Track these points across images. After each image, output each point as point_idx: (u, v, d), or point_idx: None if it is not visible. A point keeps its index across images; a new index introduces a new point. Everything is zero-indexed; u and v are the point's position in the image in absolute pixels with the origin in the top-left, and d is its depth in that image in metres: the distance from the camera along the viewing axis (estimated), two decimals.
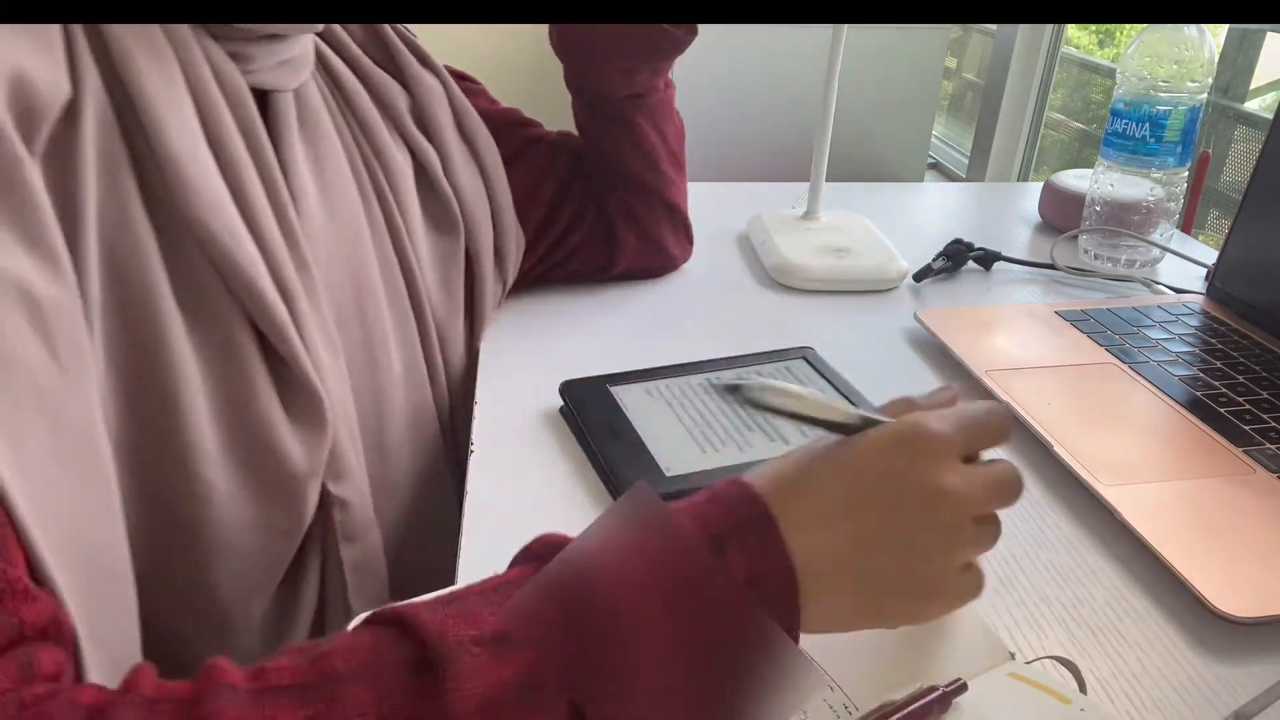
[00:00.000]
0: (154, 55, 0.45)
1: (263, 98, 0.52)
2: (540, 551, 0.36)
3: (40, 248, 0.38)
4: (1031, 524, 0.55)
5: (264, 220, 0.48)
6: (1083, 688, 0.41)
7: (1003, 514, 0.55)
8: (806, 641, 0.37)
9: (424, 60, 0.67)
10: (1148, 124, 0.85)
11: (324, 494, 0.53)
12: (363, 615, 0.35)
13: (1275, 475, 0.57)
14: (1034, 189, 1.13)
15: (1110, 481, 0.56)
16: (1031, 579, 0.50)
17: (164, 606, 0.47)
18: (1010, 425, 0.41)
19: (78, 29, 0.43)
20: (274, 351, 0.49)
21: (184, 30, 0.47)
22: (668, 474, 0.55)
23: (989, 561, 0.51)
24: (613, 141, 0.77)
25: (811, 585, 0.35)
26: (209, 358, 0.47)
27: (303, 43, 0.55)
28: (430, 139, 0.66)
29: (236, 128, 0.48)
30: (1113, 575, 0.51)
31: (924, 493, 0.37)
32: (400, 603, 0.34)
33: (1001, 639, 0.43)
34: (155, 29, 0.45)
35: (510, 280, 0.74)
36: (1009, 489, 0.40)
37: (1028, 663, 0.44)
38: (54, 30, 0.41)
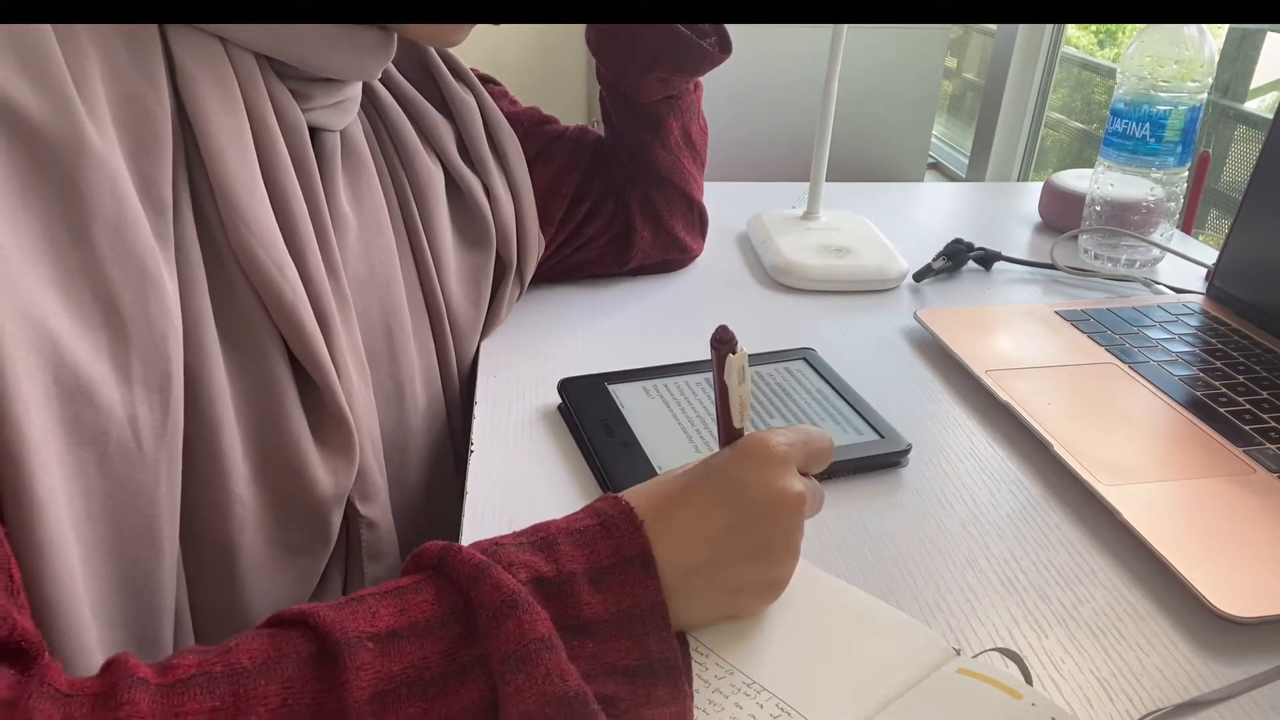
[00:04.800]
0: (220, 88, 0.46)
1: (312, 136, 0.53)
2: (429, 560, 0.39)
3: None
4: (1031, 524, 0.55)
5: (309, 253, 0.50)
6: (1028, 679, 0.42)
7: (1003, 513, 0.55)
8: (738, 654, 0.42)
9: (458, 73, 0.68)
10: (1148, 124, 0.85)
11: (352, 514, 0.54)
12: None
13: (1275, 475, 0.56)
14: (1034, 189, 1.13)
15: (1110, 481, 0.55)
16: (1031, 579, 0.50)
17: (198, 629, 0.48)
18: (833, 453, 0.47)
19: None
20: (307, 380, 0.50)
21: (250, 65, 0.48)
22: (660, 473, 0.55)
23: (990, 561, 0.51)
24: (642, 140, 0.78)
25: (675, 589, 0.40)
26: (244, 382, 0.47)
27: (356, 85, 0.56)
28: (473, 167, 0.67)
29: (291, 162, 0.49)
30: (1113, 575, 0.51)
31: (769, 497, 0.42)
32: (301, 605, 0.36)
33: (941, 634, 0.43)
34: (225, 63, 0.47)
35: (526, 284, 0.75)
36: (820, 501, 0.47)
37: (974, 656, 0.44)
38: (166, 140, 0.43)
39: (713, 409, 0.62)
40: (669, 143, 0.79)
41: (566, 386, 0.64)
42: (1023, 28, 1.52)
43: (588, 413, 0.61)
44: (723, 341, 0.43)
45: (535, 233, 0.73)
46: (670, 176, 0.80)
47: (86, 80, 0.40)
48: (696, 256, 0.88)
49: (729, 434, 0.45)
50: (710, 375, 0.66)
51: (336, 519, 0.53)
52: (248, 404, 0.47)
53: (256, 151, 0.48)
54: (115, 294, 0.40)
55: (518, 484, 0.56)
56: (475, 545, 0.39)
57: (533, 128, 0.75)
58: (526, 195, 0.71)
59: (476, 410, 0.64)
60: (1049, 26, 1.52)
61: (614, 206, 0.79)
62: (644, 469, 0.55)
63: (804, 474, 0.45)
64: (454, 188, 0.66)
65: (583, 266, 0.81)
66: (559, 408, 0.64)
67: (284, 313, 0.47)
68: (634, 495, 0.43)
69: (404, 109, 0.63)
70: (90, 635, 0.40)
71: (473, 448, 0.60)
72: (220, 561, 0.47)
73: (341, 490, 0.52)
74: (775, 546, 0.42)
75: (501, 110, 0.71)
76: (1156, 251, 0.90)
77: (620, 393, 0.63)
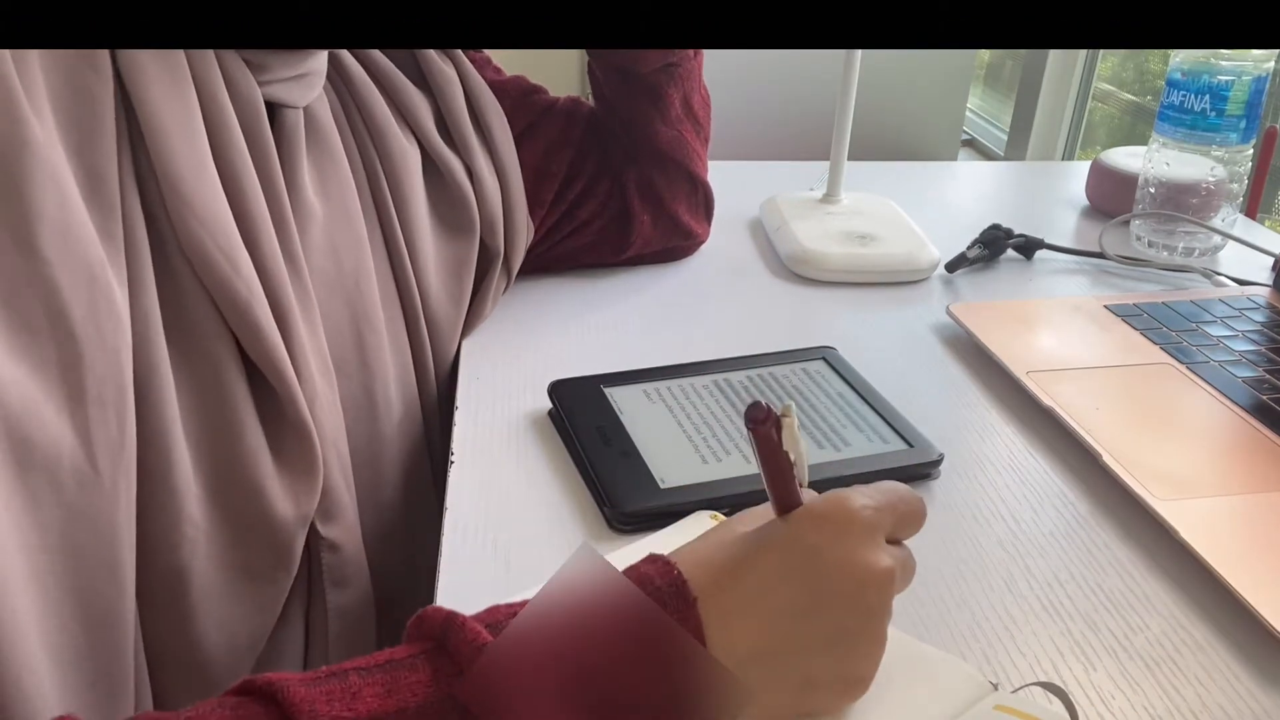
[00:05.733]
0: (162, 59, 0.46)
1: (271, 112, 0.53)
2: (432, 630, 0.36)
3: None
4: (1078, 543, 0.54)
5: (265, 242, 0.49)
6: (1074, 715, 0.42)
7: (1046, 531, 0.55)
8: None
9: None
10: (1208, 96, 0.85)
11: (312, 535, 0.54)
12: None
13: None
14: (1080, 169, 1.13)
15: (1165, 495, 0.55)
16: (1078, 604, 0.50)
17: (149, 662, 0.48)
18: (925, 516, 0.43)
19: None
20: (265, 388, 0.50)
21: None
22: (662, 485, 0.55)
23: (1031, 584, 0.51)
24: (639, 113, 0.78)
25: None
26: (194, 391, 0.47)
27: (320, 57, 0.56)
28: (454, 146, 0.67)
29: (245, 142, 0.49)
30: (1168, 601, 0.51)
31: (850, 572, 0.38)
32: (275, 673, 0.34)
33: (977, 667, 0.43)
34: None
35: (514, 276, 0.75)
36: (911, 573, 0.43)
37: (1013, 691, 0.44)
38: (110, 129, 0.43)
39: (719, 416, 0.62)
40: (669, 116, 0.79)
41: (558, 389, 0.64)
42: None
43: (581, 419, 0.61)
44: (762, 421, 0.38)
45: (524, 218, 0.73)
46: (672, 153, 0.80)
47: (24, 63, 0.39)
48: (702, 243, 0.88)
49: (789, 505, 0.41)
50: (719, 378, 0.66)
51: (299, 542, 0.53)
52: (199, 416, 0.47)
53: (206, 130, 0.47)
54: (64, 304, 0.39)
55: (503, 499, 0.56)
56: (489, 614, 0.37)
57: (520, 99, 0.75)
58: (514, 176, 0.71)
59: (457, 417, 0.64)
60: None
61: (610, 187, 0.80)
62: (644, 481, 0.55)
63: (892, 541, 0.42)
64: (433, 169, 0.66)
65: (575, 255, 0.81)
66: (549, 413, 0.64)
67: (237, 310, 0.47)
68: (686, 561, 0.39)
69: (376, 82, 0.63)
70: (42, 678, 0.39)
71: (453, 459, 0.60)
72: (170, 589, 0.47)
73: (304, 511, 0.52)
74: (855, 632, 0.39)
75: (485, 79, 0.71)
76: (1217, 239, 0.90)
77: (617, 396, 0.63)
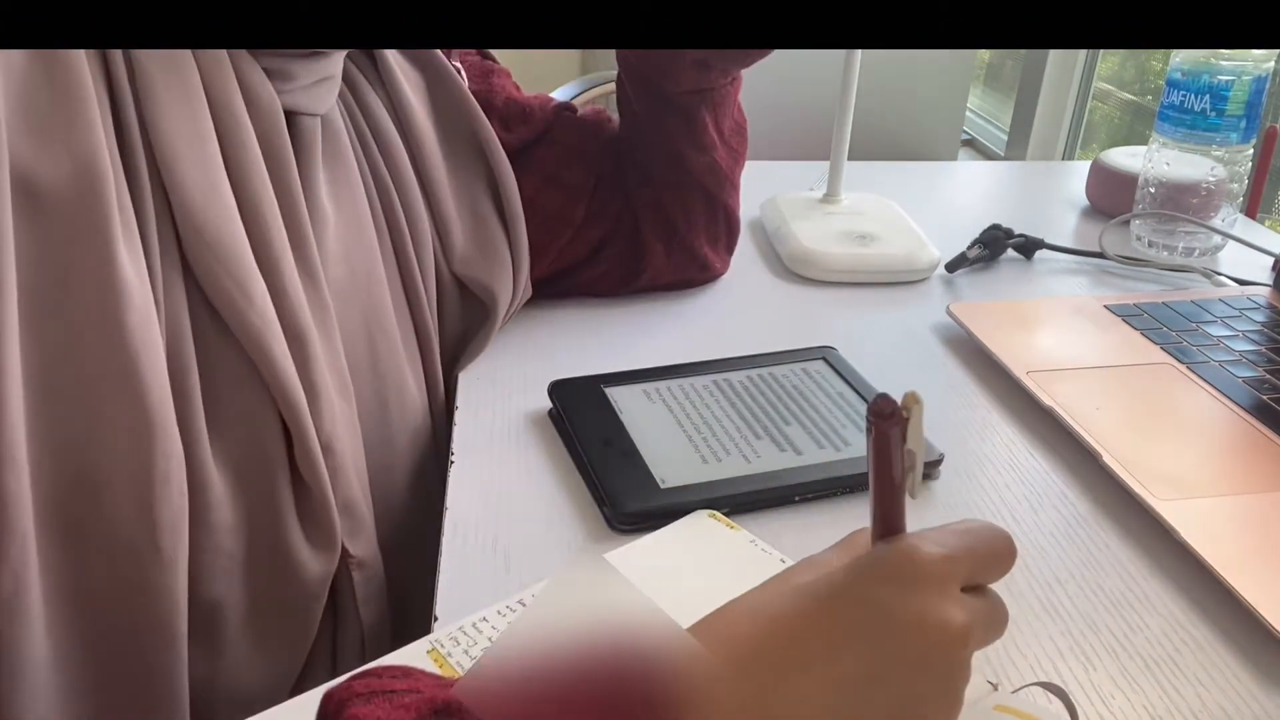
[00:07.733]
0: (174, 76, 0.45)
1: (289, 121, 0.52)
2: None
3: None
4: (1078, 543, 0.55)
5: (284, 265, 0.49)
6: (1074, 715, 0.42)
7: (1046, 531, 0.55)
8: None
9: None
10: (1208, 95, 0.85)
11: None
12: None
13: None
14: (1080, 168, 1.13)
15: (1166, 496, 0.55)
16: (1078, 604, 0.50)
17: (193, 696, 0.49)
18: (1014, 554, 0.38)
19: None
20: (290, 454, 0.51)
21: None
22: (662, 485, 0.55)
23: (1031, 584, 0.51)
24: (668, 134, 0.74)
25: None
26: (234, 473, 0.49)
27: (338, 59, 0.55)
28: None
29: (263, 156, 0.49)
30: (1168, 601, 0.51)
31: (919, 628, 0.34)
32: None
33: (978, 669, 0.43)
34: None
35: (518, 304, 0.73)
36: (1000, 623, 0.38)
37: (1013, 691, 0.44)
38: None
39: (720, 416, 0.62)
40: (701, 139, 0.74)
41: (558, 389, 0.64)
42: None
43: (582, 419, 0.61)
44: (889, 416, 0.33)
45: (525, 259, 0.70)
46: (701, 180, 0.75)
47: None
48: (719, 276, 0.83)
49: (890, 527, 0.36)
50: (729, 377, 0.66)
51: (318, 612, 0.55)
52: (240, 498, 0.49)
53: (220, 147, 0.47)
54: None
55: (503, 499, 0.56)
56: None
57: (538, 108, 0.73)
58: (517, 227, 0.69)
59: (457, 417, 0.64)
60: None
61: (623, 209, 0.76)
62: (644, 481, 0.55)
63: (973, 589, 0.37)
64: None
65: (588, 288, 0.78)
66: (549, 413, 0.64)
67: (250, 340, 0.47)
68: (724, 644, 0.34)
69: (368, 80, 0.62)
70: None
71: (452, 459, 0.60)
72: (206, 624, 0.49)
73: (326, 570, 0.54)
74: (928, 699, 0.34)
75: (503, 91, 0.71)
76: (1218, 239, 0.90)
77: (618, 396, 0.63)
